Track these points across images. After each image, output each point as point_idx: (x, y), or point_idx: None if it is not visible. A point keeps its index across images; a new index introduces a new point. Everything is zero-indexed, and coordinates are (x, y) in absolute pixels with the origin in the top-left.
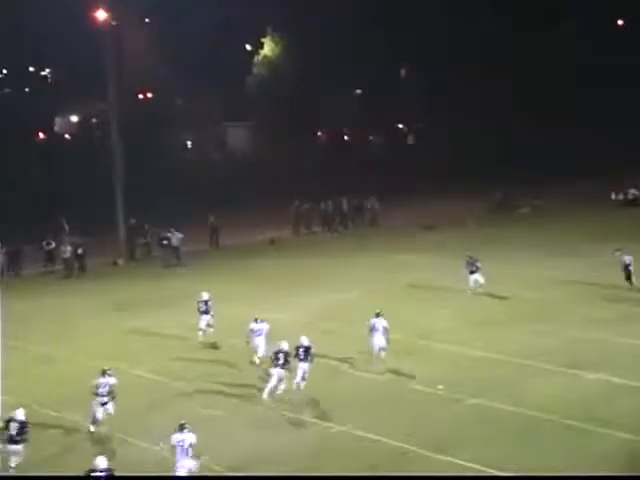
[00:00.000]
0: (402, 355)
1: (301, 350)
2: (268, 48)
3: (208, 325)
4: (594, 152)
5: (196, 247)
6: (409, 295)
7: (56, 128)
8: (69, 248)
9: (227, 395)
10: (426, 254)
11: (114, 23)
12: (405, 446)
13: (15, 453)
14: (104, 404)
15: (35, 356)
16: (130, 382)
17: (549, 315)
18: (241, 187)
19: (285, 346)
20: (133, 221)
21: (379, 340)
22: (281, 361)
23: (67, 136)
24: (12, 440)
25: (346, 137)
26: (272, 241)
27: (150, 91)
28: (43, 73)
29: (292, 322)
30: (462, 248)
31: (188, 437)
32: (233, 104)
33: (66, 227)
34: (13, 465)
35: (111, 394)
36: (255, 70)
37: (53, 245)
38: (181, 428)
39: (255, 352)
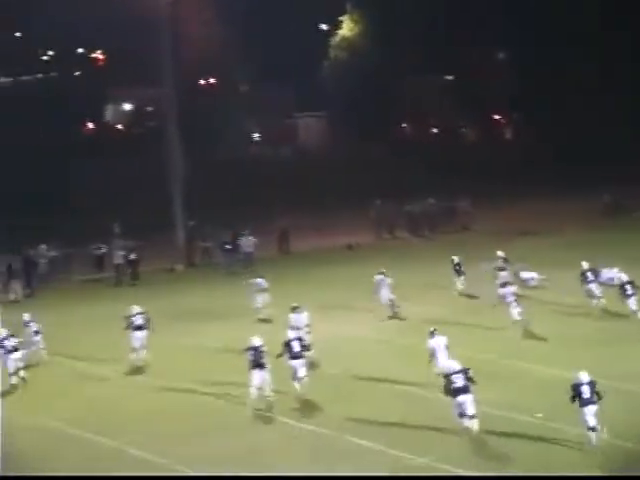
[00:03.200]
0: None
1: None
2: (347, 28)
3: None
4: None
5: (263, 253)
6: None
7: (106, 117)
8: (121, 253)
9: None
10: (522, 264)
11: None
12: None
13: None
14: None
15: (82, 374)
16: (190, 402)
17: None
18: (314, 185)
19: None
20: (193, 223)
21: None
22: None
23: (119, 126)
24: None
25: (434, 129)
26: (349, 247)
27: (213, 77)
28: (94, 55)
29: (366, 338)
30: (561, 256)
31: None
32: (306, 92)
33: (117, 229)
34: None
35: None
36: (332, 53)
37: (103, 250)
38: None
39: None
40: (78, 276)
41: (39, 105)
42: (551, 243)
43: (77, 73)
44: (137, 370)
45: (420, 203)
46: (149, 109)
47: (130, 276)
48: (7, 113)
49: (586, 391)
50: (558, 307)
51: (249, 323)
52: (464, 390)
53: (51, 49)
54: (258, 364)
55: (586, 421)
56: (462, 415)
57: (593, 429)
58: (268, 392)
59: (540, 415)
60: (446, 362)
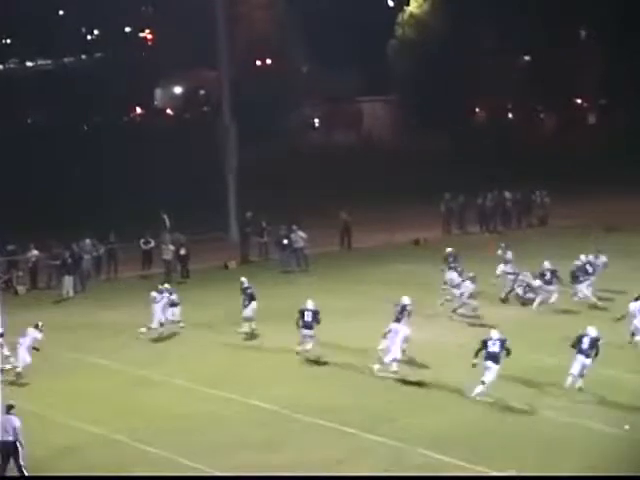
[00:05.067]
0: None
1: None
2: (415, 4)
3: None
4: None
5: (323, 249)
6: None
7: (156, 102)
8: (171, 247)
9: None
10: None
11: None
12: None
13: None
14: None
15: (130, 379)
16: (241, 413)
17: None
18: (379, 176)
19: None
20: (249, 215)
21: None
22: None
23: (169, 111)
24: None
25: (510, 115)
26: (417, 242)
27: (270, 57)
28: (142, 34)
29: (434, 342)
30: None
31: None
32: (371, 74)
33: (167, 222)
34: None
35: None
36: (398, 32)
37: (152, 244)
38: None
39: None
40: (126, 273)
41: (82, 88)
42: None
43: (123, 55)
44: (182, 375)
45: (493, 196)
46: (202, 92)
47: (180, 273)
48: (46, 96)
49: (586, 342)
50: None
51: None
52: None
53: (96, 28)
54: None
55: (572, 366)
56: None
57: (572, 375)
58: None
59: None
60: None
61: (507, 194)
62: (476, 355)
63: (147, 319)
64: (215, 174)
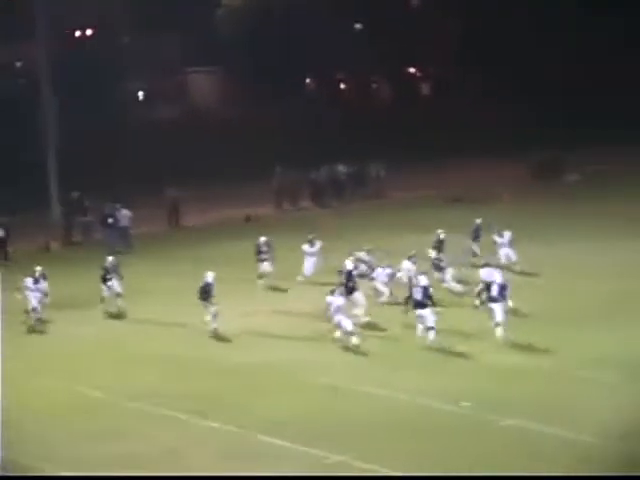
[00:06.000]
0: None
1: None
2: None
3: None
4: None
5: (149, 229)
6: None
7: None
8: None
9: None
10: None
11: None
12: None
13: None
14: None
15: None
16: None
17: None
18: (207, 151)
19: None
20: (76, 194)
21: None
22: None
23: None
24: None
25: (342, 85)
26: (248, 219)
27: (90, 27)
28: None
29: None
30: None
31: None
32: (196, 44)
33: None
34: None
35: None
36: None
37: None
38: None
39: None
40: None
41: None
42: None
43: None
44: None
45: (326, 169)
46: (18, 65)
47: None
48: None
49: (494, 290)
50: None
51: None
52: None
53: None
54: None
55: (494, 317)
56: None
57: (497, 324)
58: None
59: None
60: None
61: (341, 167)
62: (478, 295)
63: None
64: (33, 150)
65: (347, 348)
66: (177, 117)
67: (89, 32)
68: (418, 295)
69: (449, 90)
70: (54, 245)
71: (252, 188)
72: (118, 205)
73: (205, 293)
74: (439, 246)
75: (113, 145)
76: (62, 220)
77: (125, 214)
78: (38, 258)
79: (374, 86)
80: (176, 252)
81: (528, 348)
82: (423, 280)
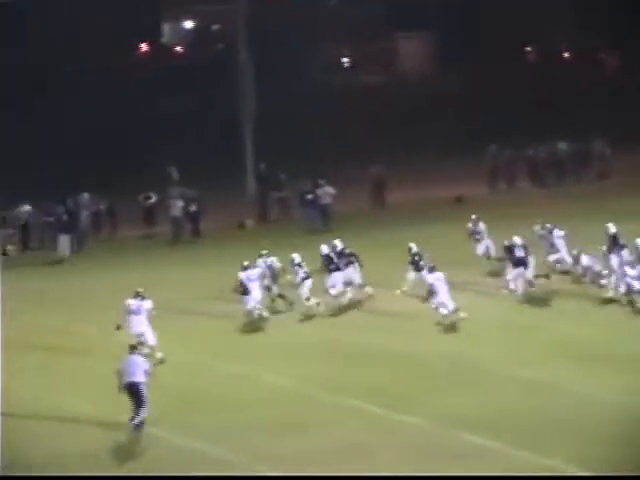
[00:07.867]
0: None
1: None
2: None
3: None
4: None
5: (352, 207)
6: None
7: (164, 38)
8: (179, 203)
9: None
10: None
11: None
12: None
13: None
14: None
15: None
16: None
17: None
18: (415, 124)
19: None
20: (263, 166)
21: None
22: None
23: (178, 49)
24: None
25: (566, 54)
26: (459, 199)
27: None
28: None
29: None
30: None
31: None
32: (405, 4)
33: (175, 175)
34: None
35: None
36: None
37: (153, 200)
38: None
39: None
40: (126, 231)
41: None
42: None
43: None
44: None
45: (546, 147)
46: (215, 27)
47: (190, 232)
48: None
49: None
50: None
51: None
52: None
53: None
54: None
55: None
56: None
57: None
58: None
59: None
60: None
61: (563, 145)
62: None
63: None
64: (229, 119)
65: None
66: (384, 87)
67: None
68: None
69: None
70: (249, 222)
71: (463, 166)
72: (322, 181)
73: None
74: None
75: (312, 115)
76: (258, 196)
77: (327, 191)
78: (231, 235)
79: (601, 57)
80: (380, 235)
81: None
82: None
